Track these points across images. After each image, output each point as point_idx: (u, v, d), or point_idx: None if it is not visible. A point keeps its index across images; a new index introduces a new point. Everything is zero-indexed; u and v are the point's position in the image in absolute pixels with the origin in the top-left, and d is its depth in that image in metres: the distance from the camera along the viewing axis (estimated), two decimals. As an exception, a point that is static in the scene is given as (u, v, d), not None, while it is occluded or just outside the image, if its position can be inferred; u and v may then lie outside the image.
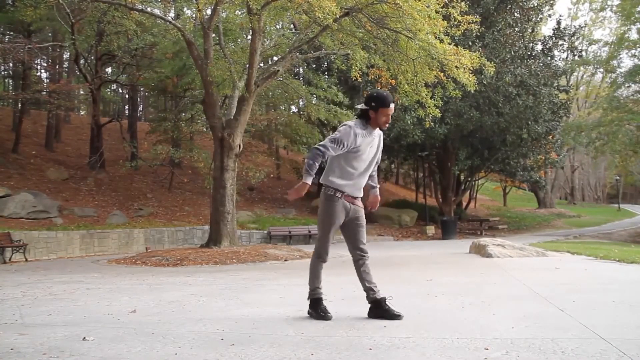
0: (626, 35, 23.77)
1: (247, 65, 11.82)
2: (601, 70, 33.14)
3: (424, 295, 4.63)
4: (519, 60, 19.85)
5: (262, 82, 12.10)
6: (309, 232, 18.75)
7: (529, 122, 19.70)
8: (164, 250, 12.38)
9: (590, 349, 2.56)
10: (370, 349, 2.71)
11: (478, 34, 16.07)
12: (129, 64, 21.07)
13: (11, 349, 2.89)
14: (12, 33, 21.74)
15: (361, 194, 3.68)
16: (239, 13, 14.71)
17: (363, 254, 3.62)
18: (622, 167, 38.56)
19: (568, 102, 23.81)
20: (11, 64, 26.59)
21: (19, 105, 22.63)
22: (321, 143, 3.53)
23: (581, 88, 44.14)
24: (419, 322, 3.36)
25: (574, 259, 8.10)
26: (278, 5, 11.16)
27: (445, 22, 9.88)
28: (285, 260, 10.06)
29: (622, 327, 3.02)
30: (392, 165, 32.11)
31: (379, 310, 3.53)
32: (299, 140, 20.85)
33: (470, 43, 17.31)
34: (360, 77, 12.45)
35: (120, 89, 30.57)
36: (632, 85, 23.10)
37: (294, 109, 28.03)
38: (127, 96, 30.33)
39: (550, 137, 22.06)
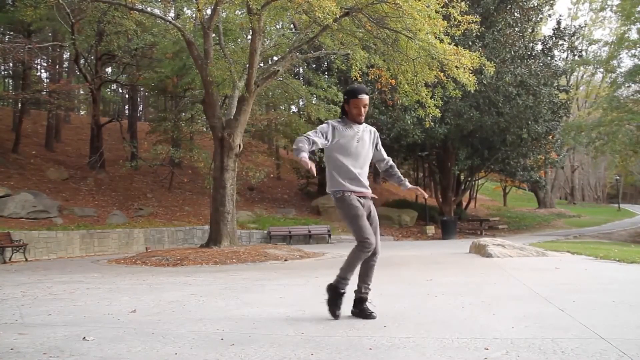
0: (626, 35, 23.77)
1: (247, 65, 11.82)
2: (601, 70, 33.14)
3: (424, 295, 4.63)
4: (519, 60, 19.85)
5: (262, 82, 12.09)
6: (309, 232, 18.76)
7: (529, 122, 19.70)
8: (164, 250, 12.38)
9: (590, 349, 2.56)
10: (370, 349, 2.71)
11: (478, 34, 16.08)
12: (129, 64, 21.08)
13: (11, 349, 2.89)
14: (12, 33, 21.74)
15: (367, 190, 3.66)
16: (239, 13, 14.71)
17: (374, 255, 3.60)
18: (622, 167, 38.59)
19: (568, 102, 23.81)
20: (11, 64, 26.61)
21: (19, 105, 22.63)
22: None
23: (581, 88, 44.15)
24: (419, 322, 3.36)
25: (574, 259, 8.10)
26: (278, 5, 11.16)
27: (445, 22, 9.87)
28: (285, 260, 10.06)
29: (622, 327, 3.02)
30: (392, 165, 32.09)
31: (357, 308, 3.63)
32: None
33: (470, 43, 17.31)
34: (360, 77, 12.44)
35: (120, 89, 30.59)
36: (632, 85, 23.11)
37: (294, 108, 28.05)
38: (127, 96, 30.33)
39: (550, 137, 22.06)
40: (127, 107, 32.30)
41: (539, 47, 23.20)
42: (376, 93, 17.56)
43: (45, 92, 20.86)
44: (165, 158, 20.32)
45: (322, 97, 16.31)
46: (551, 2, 23.89)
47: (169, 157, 20.34)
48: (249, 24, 11.96)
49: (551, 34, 23.68)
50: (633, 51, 23.25)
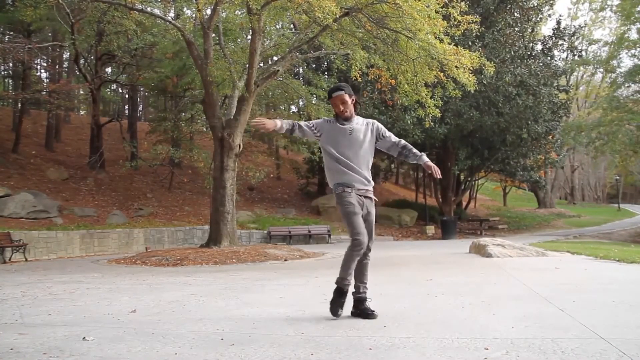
0: (626, 35, 23.76)
1: (247, 65, 11.82)
2: (601, 70, 33.14)
3: (424, 295, 4.63)
4: (518, 60, 19.85)
5: (262, 82, 12.09)
6: (309, 232, 18.76)
7: (529, 122, 19.70)
8: (164, 250, 12.38)
9: (590, 349, 2.56)
10: (370, 349, 2.71)
11: (478, 34, 16.07)
12: (129, 64, 21.08)
13: (11, 349, 2.89)
14: (12, 33, 21.75)
15: (366, 186, 3.65)
16: (239, 13, 14.71)
17: (366, 253, 3.63)
18: (622, 167, 38.59)
19: (568, 102, 23.80)
20: (11, 64, 26.60)
21: (19, 105, 22.63)
22: None
23: (581, 88, 44.14)
24: (419, 322, 3.36)
25: (574, 259, 8.10)
26: (278, 5, 11.16)
27: (445, 22, 9.87)
28: (285, 260, 10.06)
29: (622, 327, 3.02)
30: (392, 165, 32.13)
31: (358, 308, 3.64)
32: (299, 140, 20.86)
33: (470, 43, 17.31)
34: (360, 77, 12.44)
35: (120, 89, 30.59)
36: (632, 85, 23.10)
37: (294, 108, 28.04)
38: (127, 96, 30.34)
39: (550, 137, 22.05)
40: (127, 107, 32.31)
41: (539, 47, 23.21)
42: (376, 93, 17.57)
43: (45, 92, 20.85)
44: (165, 158, 20.32)
45: (322, 97, 16.32)
46: (551, 2, 23.90)
47: (169, 157, 20.35)
48: (249, 24, 11.96)
49: (551, 34, 23.69)
50: (633, 51, 23.25)
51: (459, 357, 2.49)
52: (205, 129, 20.87)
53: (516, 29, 21.16)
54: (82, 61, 19.38)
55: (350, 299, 3.68)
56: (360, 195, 3.62)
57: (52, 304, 4.76)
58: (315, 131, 3.68)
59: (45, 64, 27.18)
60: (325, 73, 22.12)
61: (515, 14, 21.53)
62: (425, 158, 3.81)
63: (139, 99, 32.23)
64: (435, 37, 9.89)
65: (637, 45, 22.65)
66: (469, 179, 25.53)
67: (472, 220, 25.17)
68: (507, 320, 3.32)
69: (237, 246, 11.59)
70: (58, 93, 19.25)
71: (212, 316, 3.85)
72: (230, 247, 11.17)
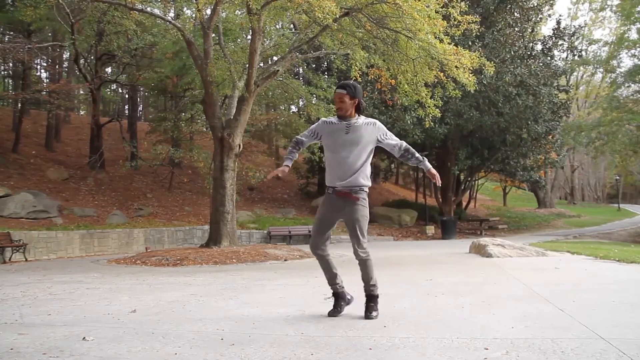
0: (626, 35, 23.77)
1: (247, 65, 11.81)
2: (601, 70, 33.11)
3: (424, 295, 4.63)
4: (518, 60, 19.85)
5: (262, 82, 12.09)
6: (309, 232, 18.71)
7: (529, 122, 19.70)
8: (164, 250, 12.38)
9: (590, 349, 2.56)
10: (370, 348, 2.71)
11: (478, 33, 16.04)
12: (129, 64, 21.07)
13: (11, 349, 2.89)
14: (12, 33, 21.74)
15: (352, 187, 3.59)
16: (239, 13, 14.70)
17: (355, 255, 3.63)
18: (622, 167, 38.62)
19: (568, 102, 23.80)
20: (11, 64, 26.60)
21: (19, 105, 22.63)
22: None
23: (581, 88, 44.13)
24: (419, 322, 3.36)
25: (574, 259, 8.10)
26: (278, 5, 11.15)
27: (445, 22, 9.87)
28: (285, 260, 10.06)
29: (622, 327, 3.02)
30: (392, 165, 32.13)
31: (365, 304, 3.70)
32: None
33: (470, 43, 17.31)
34: (360, 77, 12.43)
35: (120, 89, 30.58)
36: (632, 85, 23.12)
37: (293, 108, 28.06)
38: (127, 96, 30.34)
39: (550, 137, 22.04)
40: (127, 107, 32.31)
41: (539, 47, 23.18)
42: (376, 93, 17.56)
43: (45, 92, 20.85)
44: (165, 158, 20.32)
45: (322, 97, 16.31)
46: (551, 2, 23.89)
47: (169, 157, 20.34)
48: (249, 24, 11.94)
49: (551, 34, 23.66)
50: (633, 51, 23.27)
51: (459, 357, 2.49)
52: (205, 129, 20.86)
53: (516, 29, 21.16)
54: (82, 61, 19.37)
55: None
56: (341, 196, 3.60)
57: (52, 304, 4.76)
58: (314, 136, 3.77)
59: (45, 64, 27.19)
60: (325, 73, 22.10)
61: (515, 14, 21.53)
62: (428, 164, 3.79)
63: (139, 99, 32.22)
64: (435, 37, 9.89)
65: (637, 45, 22.67)
66: (469, 179, 25.52)
67: (472, 220, 25.16)
68: (507, 320, 3.32)
69: (237, 246, 11.59)
70: (58, 93, 19.25)
71: (212, 316, 3.85)
72: (230, 247, 11.17)
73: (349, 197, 3.60)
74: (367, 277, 3.65)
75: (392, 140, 3.76)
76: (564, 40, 24.42)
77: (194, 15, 15.69)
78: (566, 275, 5.95)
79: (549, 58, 22.58)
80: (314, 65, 22.15)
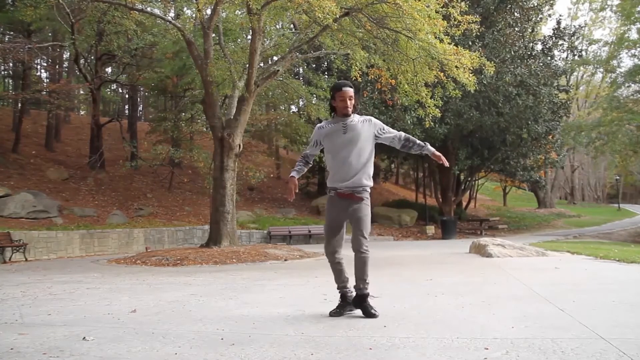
0: (626, 35, 23.78)
1: (247, 65, 11.81)
2: (601, 70, 33.15)
3: (424, 295, 4.63)
4: (519, 60, 19.84)
5: (262, 82, 12.09)
6: (309, 232, 18.76)
7: (529, 122, 19.69)
8: (164, 250, 12.38)
9: (590, 349, 2.56)
10: (370, 348, 2.71)
11: (478, 33, 16.04)
12: (129, 63, 21.07)
13: (11, 349, 2.89)
14: (12, 33, 21.75)
15: (354, 187, 3.62)
16: (239, 13, 14.70)
17: (357, 251, 3.64)
18: (622, 167, 38.62)
19: (568, 102, 23.78)
20: (11, 64, 26.61)
21: (19, 105, 22.63)
22: None
23: (581, 88, 44.13)
24: (419, 322, 3.36)
25: (574, 259, 8.10)
26: (278, 5, 11.15)
27: (445, 22, 9.86)
28: (285, 260, 10.06)
29: (622, 327, 3.02)
30: (392, 165, 32.12)
31: (358, 306, 3.72)
32: (299, 140, 20.84)
33: (470, 43, 17.30)
34: (360, 77, 12.44)
35: (120, 89, 30.59)
36: (632, 85, 23.12)
37: (294, 108, 28.05)
38: (127, 96, 30.34)
39: (550, 137, 22.03)
40: (127, 107, 32.31)
41: (539, 47, 23.17)
42: (376, 93, 17.55)
43: (45, 92, 20.85)
44: (165, 158, 20.32)
45: (322, 97, 16.30)
46: (551, 2, 23.88)
47: (169, 157, 20.35)
48: (249, 24, 11.95)
49: (551, 34, 23.65)
50: (633, 51, 23.27)
51: (459, 357, 2.49)
52: (205, 129, 20.86)
53: (516, 29, 21.14)
54: (82, 61, 19.36)
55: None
56: (343, 197, 3.63)
57: (52, 303, 4.76)
58: (315, 145, 3.82)
59: (45, 64, 27.20)
60: (325, 73, 22.10)
61: (516, 14, 21.52)
62: (431, 148, 3.79)
63: (139, 99, 32.23)
64: (435, 37, 9.89)
65: (637, 45, 22.67)
66: (469, 179, 25.51)
67: (472, 220, 25.16)
68: (507, 320, 3.33)
69: (237, 246, 11.59)
70: (58, 93, 19.24)
71: (212, 316, 3.85)
72: (230, 247, 11.17)
73: (352, 198, 3.63)
74: (361, 274, 3.65)
75: (390, 133, 3.78)
76: (564, 40, 24.41)
77: (194, 15, 15.70)
78: (566, 275, 5.95)
79: (549, 58, 22.58)
80: (314, 65, 22.15)
